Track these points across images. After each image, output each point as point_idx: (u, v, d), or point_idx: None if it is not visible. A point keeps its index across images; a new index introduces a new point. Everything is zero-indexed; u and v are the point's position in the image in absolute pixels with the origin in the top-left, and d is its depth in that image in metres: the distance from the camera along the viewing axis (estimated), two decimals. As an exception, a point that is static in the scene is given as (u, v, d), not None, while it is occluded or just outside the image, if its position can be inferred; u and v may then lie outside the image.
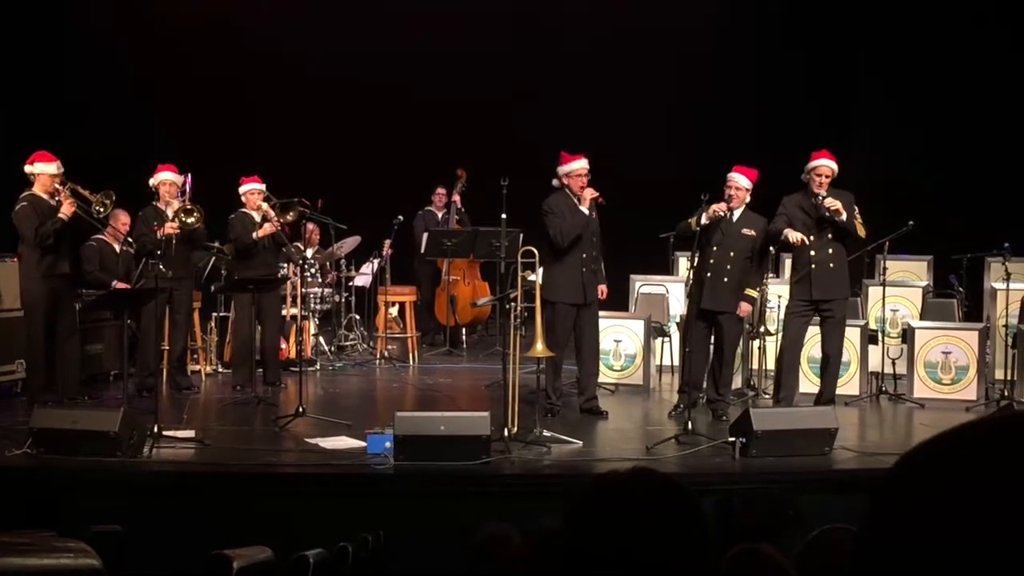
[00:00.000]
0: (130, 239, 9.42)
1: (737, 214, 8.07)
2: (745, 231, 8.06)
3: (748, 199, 8.10)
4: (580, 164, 8.12)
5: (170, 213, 9.01)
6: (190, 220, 8.97)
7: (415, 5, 14.14)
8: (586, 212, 8.08)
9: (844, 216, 7.90)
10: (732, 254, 8.02)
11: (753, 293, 8.24)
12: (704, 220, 7.81)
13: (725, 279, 7.99)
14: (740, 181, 8.05)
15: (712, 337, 8.23)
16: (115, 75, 13.10)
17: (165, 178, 9.09)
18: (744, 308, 8.16)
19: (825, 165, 8.04)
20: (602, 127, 12.49)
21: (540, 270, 7.96)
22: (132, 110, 12.91)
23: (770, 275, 9.51)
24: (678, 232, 8.36)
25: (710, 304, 7.96)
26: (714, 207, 7.86)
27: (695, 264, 8.05)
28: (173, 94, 13.22)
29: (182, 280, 9.21)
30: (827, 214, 7.92)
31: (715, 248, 8.00)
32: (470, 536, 2.97)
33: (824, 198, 7.92)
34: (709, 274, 7.96)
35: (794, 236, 7.91)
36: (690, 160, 8.47)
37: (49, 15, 13.02)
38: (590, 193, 8.05)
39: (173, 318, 9.21)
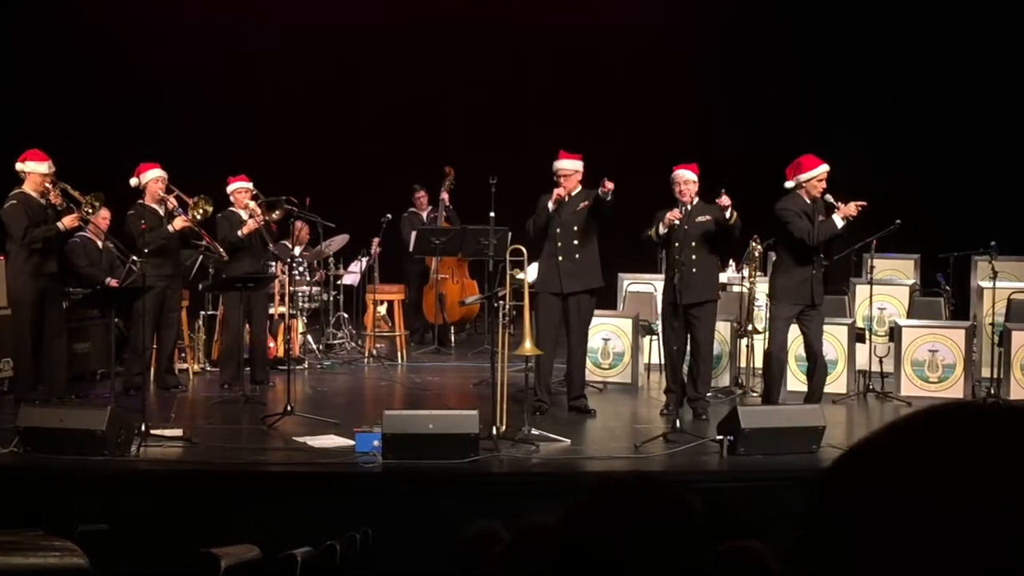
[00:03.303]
0: (112, 243, 9.50)
1: (690, 207, 8.09)
2: (700, 219, 8.07)
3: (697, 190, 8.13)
4: (560, 163, 8.21)
5: (162, 211, 9.06)
6: (198, 214, 9.07)
7: (406, 5, 14.13)
8: (550, 207, 8.12)
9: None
10: (693, 244, 8.03)
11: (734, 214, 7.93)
12: (663, 229, 7.95)
13: (693, 270, 8.00)
14: (687, 175, 8.09)
15: (688, 333, 8.22)
16: (106, 75, 13.07)
17: (156, 175, 9.11)
18: (724, 198, 7.83)
19: (826, 171, 8.06)
20: (592, 124, 12.50)
21: (529, 268, 7.97)
22: (123, 110, 12.88)
23: (758, 274, 9.53)
24: (641, 243, 8.40)
25: (685, 299, 7.94)
26: (669, 216, 7.92)
27: (664, 266, 8.13)
28: (163, 94, 13.19)
29: (174, 279, 9.24)
30: (850, 219, 7.92)
31: (677, 245, 8.02)
32: (460, 534, 2.98)
33: (839, 205, 7.93)
34: (677, 271, 7.96)
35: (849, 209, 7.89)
36: (677, 158, 8.46)
37: (42, 15, 12.99)
38: (559, 192, 8.12)
39: (166, 317, 9.20)
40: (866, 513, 0.81)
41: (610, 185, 7.86)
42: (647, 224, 8.67)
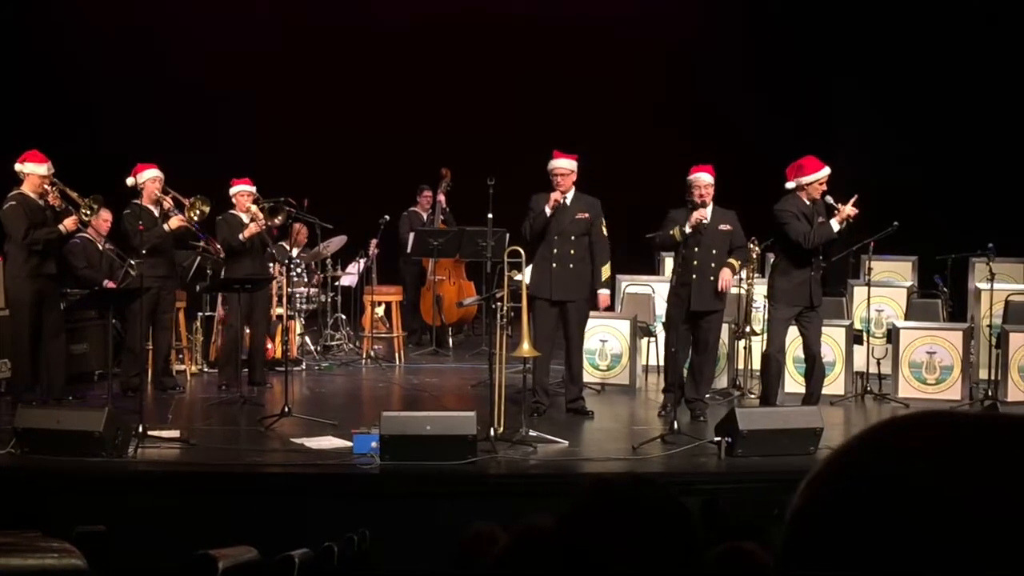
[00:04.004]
0: (110, 246, 9.51)
1: (709, 211, 8.05)
2: (722, 227, 8.05)
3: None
4: (556, 163, 8.16)
5: (157, 211, 9.06)
6: (195, 215, 9.06)
7: (401, 7, 14.13)
8: (548, 212, 8.07)
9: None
10: (714, 252, 8.00)
11: (735, 263, 8.09)
12: (688, 229, 7.86)
13: (711, 278, 7.99)
14: (706, 179, 8.01)
15: (692, 336, 8.22)
16: (106, 76, 13.07)
17: (153, 175, 9.08)
18: (724, 274, 7.95)
19: (828, 173, 8.05)
20: (588, 125, 12.50)
21: (527, 269, 7.97)
22: (123, 111, 12.89)
23: (756, 275, 9.52)
24: (661, 244, 8.36)
25: (698, 305, 7.94)
26: (695, 216, 7.85)
27: (677, 268, 8.07)
28: (163, 95, 13.20)
29: (168, 280, 9.22)
30: (849, 221, 7.94)
31: (696, 249, 7.95)
32: (458, 535, 2.98)
33: (839, 207, 7.94)
34: (694, 276, 7.92)
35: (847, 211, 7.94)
36: (675, 160, 8.48)
37: (42, 15, 12.99)
38: (555, 197, 8.08)
39: (160, 318, 9.20)
40: (859, 505, 0.81)
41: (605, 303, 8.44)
42: (646, 225, 8.69)
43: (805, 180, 8.03)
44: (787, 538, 0.85)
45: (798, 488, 0.87)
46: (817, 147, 8.48)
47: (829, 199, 8.03)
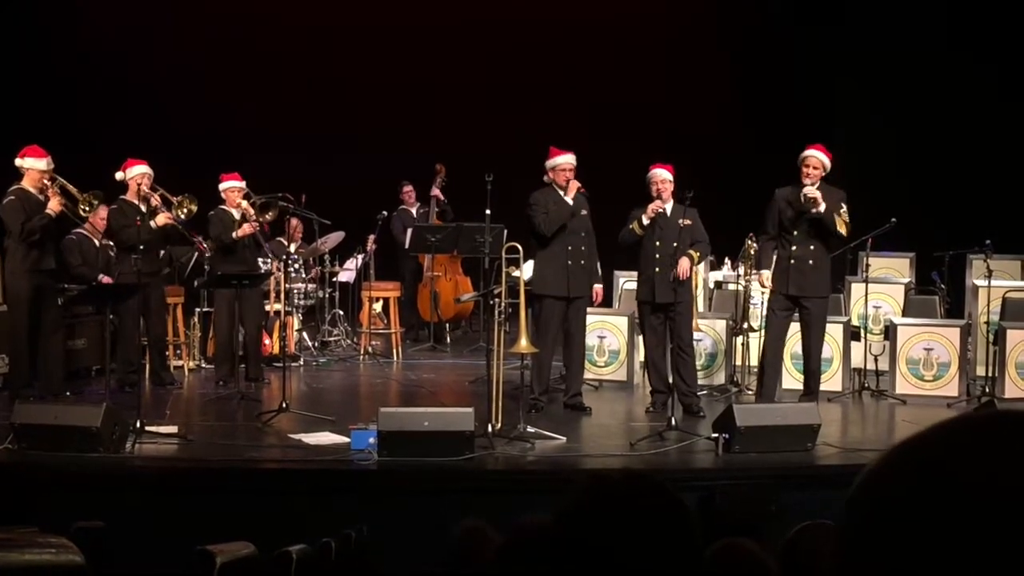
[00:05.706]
0: (107, 241, 9.47)
1: (669, 207, 8.13)
2: (682, 222, 8.10)
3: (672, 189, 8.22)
4: (565, 159, 8.18)
5: (144, 207, 8.98)
6: (183, 213, 9.00)
7: (400, 6, 14.13)
8: (570, 202, 8.10)
9: (822, 208, 7.97)
10: (674, 244, 8.03)
11: (695, 254, 8.13)
12: (645, 221, 8.02)
13: (672, 269, 8.02)
14: (665, 175, 8.17)
15: (668, 331, 8.24)
16: (106, 74, 13.06)
17: (141, 171, 9.03)
18: (682, 263, 7.92)
19: (813, 156, 8.11)
20: (586, 122, 12.50)
21: (525, 266, 7.96)
22: (119, 110, 12.87)
23: (753, 272, 9.52)
24: (621, 242, 8.35)
25: (661, 297, 7.98)
26: (651, 206, 8.01)
27: (640, 263, 8.16)
28: (160, 95, 13.18)
29: (154, 276, 9.13)
30: (803, 202, 7.99)
31: (657, 243, 8.06)
32: (449, 532, 2.98)
33: (804, 187, 8.01)
34: (657, 269, 8.01)
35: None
36: (672, 157, 8.48)
37: (43, 14, 12.99)
38: (575, 184, 8.11)
39: (150, 314, 9.09)
40: (919, 501, 0.81)
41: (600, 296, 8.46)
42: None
43: (799, 159, 8.17)
44: (851, 528, 0.85)
45: (858, 478, 0.86)
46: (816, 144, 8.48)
47: (807, 191, 8.05)
